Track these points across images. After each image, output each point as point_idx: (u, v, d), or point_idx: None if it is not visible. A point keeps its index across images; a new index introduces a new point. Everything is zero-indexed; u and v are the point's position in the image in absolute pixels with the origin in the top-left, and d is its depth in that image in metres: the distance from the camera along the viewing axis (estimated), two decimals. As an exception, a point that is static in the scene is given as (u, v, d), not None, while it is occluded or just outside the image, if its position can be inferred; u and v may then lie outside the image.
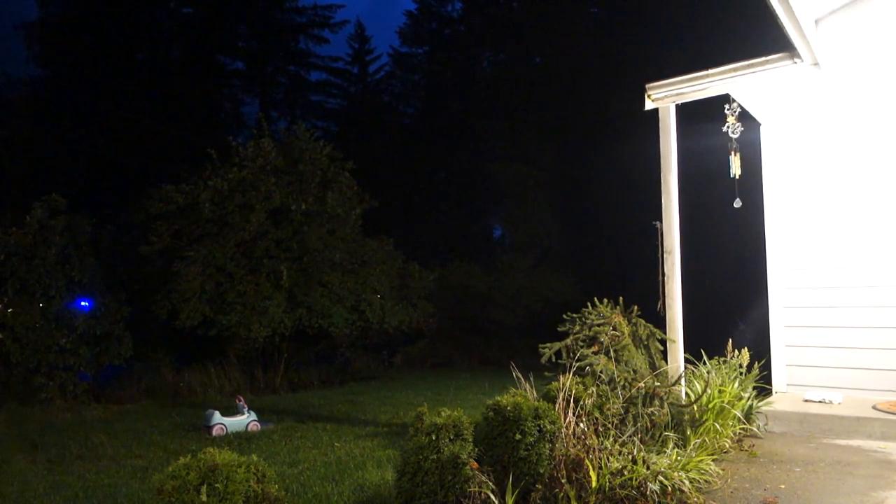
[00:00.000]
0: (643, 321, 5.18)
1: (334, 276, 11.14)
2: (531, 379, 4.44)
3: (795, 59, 4.89)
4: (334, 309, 11.08)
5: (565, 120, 20.75)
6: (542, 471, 3.42)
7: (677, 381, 4.85)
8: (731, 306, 10.27)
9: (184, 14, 27.04)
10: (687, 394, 5.05)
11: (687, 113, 5.61)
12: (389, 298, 12.14)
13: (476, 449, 3.39)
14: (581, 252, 19.97)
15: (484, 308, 15.42)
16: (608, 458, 3.52)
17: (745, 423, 5.05)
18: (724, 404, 4.81)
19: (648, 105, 5.58)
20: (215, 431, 6.74)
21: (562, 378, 4.03)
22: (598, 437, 3.77)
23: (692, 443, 4.30)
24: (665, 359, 5.21)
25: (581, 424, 3.76)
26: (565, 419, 3.74)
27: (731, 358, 5.38)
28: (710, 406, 4.72)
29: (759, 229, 6.68)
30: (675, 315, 5.37)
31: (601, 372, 4.61)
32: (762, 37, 5.23)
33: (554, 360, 4.91)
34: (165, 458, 5.65)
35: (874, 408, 5.39)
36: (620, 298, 5.22)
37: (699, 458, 3.94)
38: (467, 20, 29.19)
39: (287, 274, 10.57)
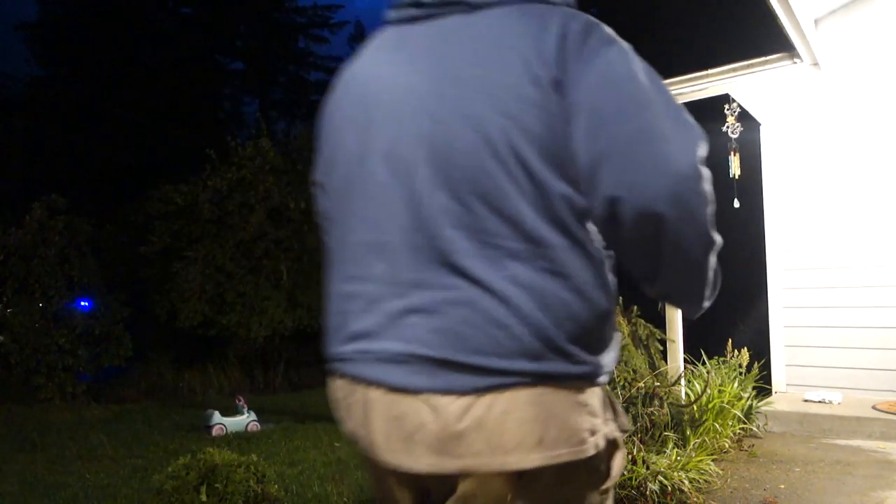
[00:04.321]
0: (643, 321, 5.18)
1: (334, 277, 11.12)
2: (531, 379, 4.43)
3: (795, 60, 4.89)
4: (334, 309, 11.05)
5: (565, 120, 20.71)
6: (541, 471, 3.41)
7: (677, 381, 4.85)
8: (731, 306, 10.25)
9: (183, 14, 27.01)
10: (686, 394, 5.05)
11: (686, 113, 5.59)
12: (389, 298, 12.12)
13: (476, 449, 3.38)
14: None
15: (484, 308, 15.39)
16: (608, 458, 3.51)
17: (744, 423, 5.06)
18: (724, 404, 4.81)
19: (648, 105, 5.57)
20: (215, 431, 6.74)
21: (561, 378, 4.03)
22: (597, 437, 3.76)
23: (692, 443, 4.30)
24: (665, 359, 5.21)
25: (581, 424, 3.75)
26: (565, 419, 3.73)
27: (731, 358, 5.39)
28: (710, 406, 4.72)
29: (758, 229, 6.68)
30: (675, 315, 5.39)
31: (601, 372, 4.60)
32: (762, 37, 5.23)
33: (554, 360, 4.90)
34: (165, 458, 5.63)
35: (874, 408, 5.40)
36: (620, 298, 5.22)
37: (699, 458, 3.94)
38: (467, 20, 29.16)
39: (287, 274, 10.56)
